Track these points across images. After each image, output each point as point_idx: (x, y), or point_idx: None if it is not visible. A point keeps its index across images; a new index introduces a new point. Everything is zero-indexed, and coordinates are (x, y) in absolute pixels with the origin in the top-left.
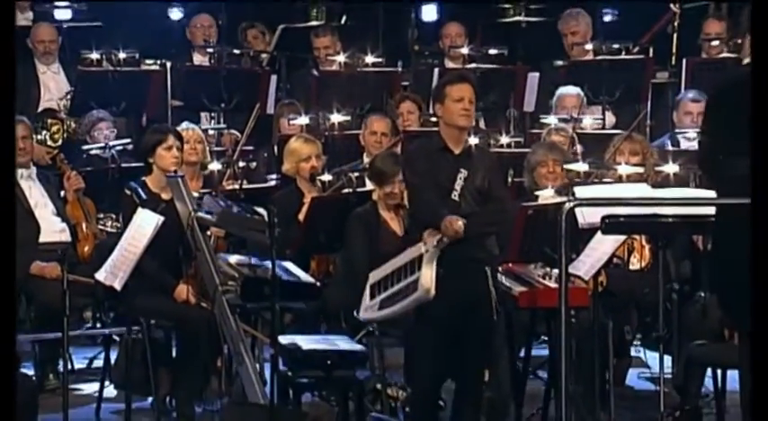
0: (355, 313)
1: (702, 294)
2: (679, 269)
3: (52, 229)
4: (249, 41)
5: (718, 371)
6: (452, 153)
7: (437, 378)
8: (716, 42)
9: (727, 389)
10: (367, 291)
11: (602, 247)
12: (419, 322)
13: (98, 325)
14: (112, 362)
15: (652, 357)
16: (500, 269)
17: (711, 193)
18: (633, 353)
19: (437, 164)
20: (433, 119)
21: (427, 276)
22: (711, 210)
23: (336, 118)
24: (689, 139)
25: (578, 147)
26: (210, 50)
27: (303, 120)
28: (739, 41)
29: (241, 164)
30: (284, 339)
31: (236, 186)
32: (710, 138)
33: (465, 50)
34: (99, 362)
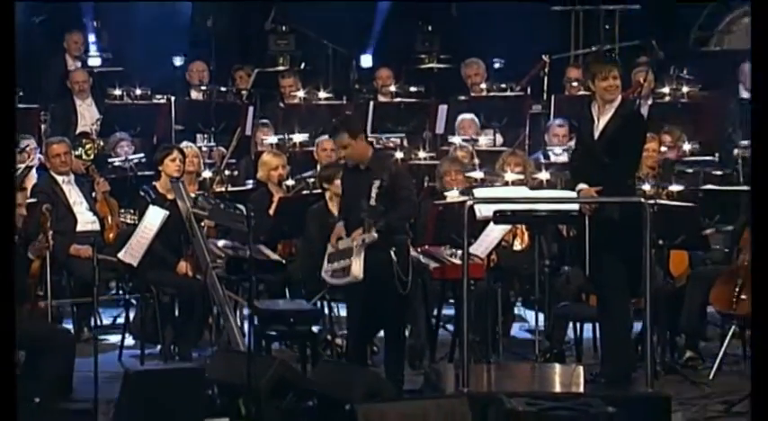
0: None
1: (566, 268)
2: (549, 249)
3: (86, 221)
4: (237, 79)
5: (577, 325)
6: (358, 169)
7: (364, 332)
8: (575, 84)
9: (583, 337)
10: (326, 258)
11: (493, 234)
12: (347, 293)
13: (120, 292)
14: (131, 319)
15: (530, 315)
16: (418, 250)
17: (572, 194)
18: (516, 311)
19: (349, 180)
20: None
21: (356, 266)
22: (574, 207)
23: (297, 138)
24: (556, 154)
25: (476, 160)
26: (204, 88)
27: (272, 139)
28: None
29: (226, 172)
30: (258, 302)
31: (223, 189)
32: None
33: (392, 89)
34: (121, 320)
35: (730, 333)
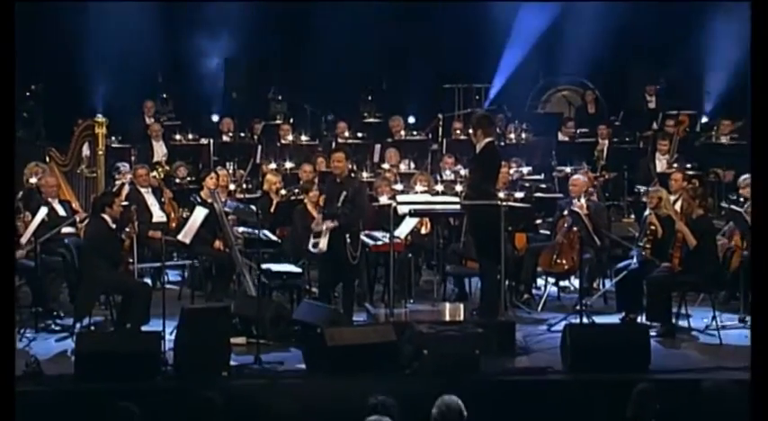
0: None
1: (453, 244)
2: (443, 233)
3: (158, 216)
4: (253, 127)
5: (464, 280)
6: (336, 181)
7: (329, 284)
8: (458, 131)
9: (463, 287)
10: (312, 237)
11: (409, 223)
12: (320, 260)
13: (179, 260)
14: (186, 277)
15: (432, 273)
16: (362, 233)
17: (456, 198)
18: (423, 270)
19: (332, 186)
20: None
21: (323, 243)
22: (456, 207)
23: (288, 165)
24: (447, 175)
25: (398, 178)
26: (231, 134)
27: (273, 166)
28: (470, 131)
29: (244, 186)
30: (264, 266)
31: (242, 196)
32: (476, 176)
33: (347, 134)
34: (179, 277)
35: (551, 283)
